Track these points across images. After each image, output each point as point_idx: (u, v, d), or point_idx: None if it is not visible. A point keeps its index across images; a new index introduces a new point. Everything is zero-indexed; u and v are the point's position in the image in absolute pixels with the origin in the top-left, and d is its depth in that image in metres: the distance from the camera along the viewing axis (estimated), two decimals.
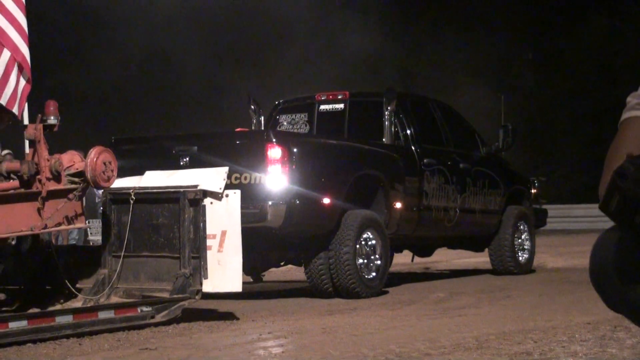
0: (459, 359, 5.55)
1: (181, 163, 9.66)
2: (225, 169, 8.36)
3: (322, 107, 12.18)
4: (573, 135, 41.23)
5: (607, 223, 3.20)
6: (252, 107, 12.44)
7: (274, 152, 9.42)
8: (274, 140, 9.50)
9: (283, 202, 9.39)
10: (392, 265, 14.98)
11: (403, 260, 14.19)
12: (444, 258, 16.60)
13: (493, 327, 7.25)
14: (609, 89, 38.41)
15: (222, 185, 8.11)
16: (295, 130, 12.12)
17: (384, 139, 11.34)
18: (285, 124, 12.34)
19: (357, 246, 10.09)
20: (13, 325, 6.81)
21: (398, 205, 11.01)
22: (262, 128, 12.30)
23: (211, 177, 8.22)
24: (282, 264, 11.23)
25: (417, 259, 14.29)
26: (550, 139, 42.84)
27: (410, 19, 42.12)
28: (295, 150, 9.62)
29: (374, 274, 10.32)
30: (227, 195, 8.08)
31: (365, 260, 10.24)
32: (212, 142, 10.26)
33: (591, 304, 8.02)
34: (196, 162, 9.48)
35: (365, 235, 10.24)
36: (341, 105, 12.07)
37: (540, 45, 43.45)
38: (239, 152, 9.69)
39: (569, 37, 41.63)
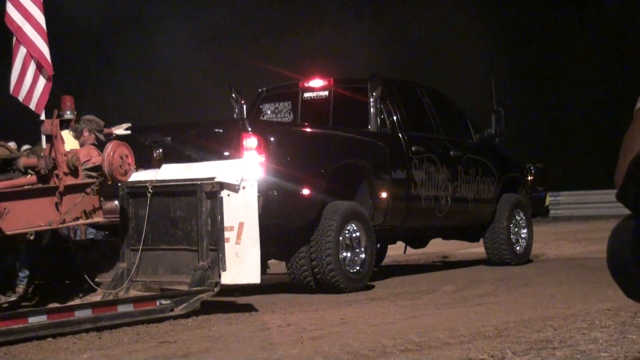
0: (478, 348, 5.54)
1: (155, 155, 9.43)
2: (242, 161, 8.35)
3: (306, 94, 11.85)
4: (589, 122, 41.02)
5: (624, 209, 3.20)
6: (234, 95, 12.09)
7: (250, 142, 9.11)
8: (249, 129, 9.18)
9: (260, 194, 8.89)
10: (410, 255, 15.03)
11: (420, 250, 14.11)
12: (462, 247, 16.55)
13: (512, 315, 7.24)
14: (624, 75, 38.22)
15: (239, 177, 8.09)
16: (280, 119, 11.81)
17: (369, 127, 10.99)
18: (269, 112, 12.01)
19: (340, 239, 9.81)
20: (33, 319, 6.84)
21: (384, 195, 10.68)
22: (245, 117, 11.92)
23: (228, 169, 8.20)
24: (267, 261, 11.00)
25: (442, 249, 14.24)
26: (566, 125, 42.65)
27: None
28: (272, 139, 9.32)
29: (358, 267, 10.04)
30: (244, 187, 8.06)
31: (349, 254, 9.98)
32: (186, 132, 9.95)
33: (610, 291, 8.01)
34: (170, 154, 9.30)
35: (348, 228, 9.96)
36: (325, 93, 11.74)
37: (555, 31, 43.23)
38: (214, 143, 9.40)
39: (584, 23, 41.43)
